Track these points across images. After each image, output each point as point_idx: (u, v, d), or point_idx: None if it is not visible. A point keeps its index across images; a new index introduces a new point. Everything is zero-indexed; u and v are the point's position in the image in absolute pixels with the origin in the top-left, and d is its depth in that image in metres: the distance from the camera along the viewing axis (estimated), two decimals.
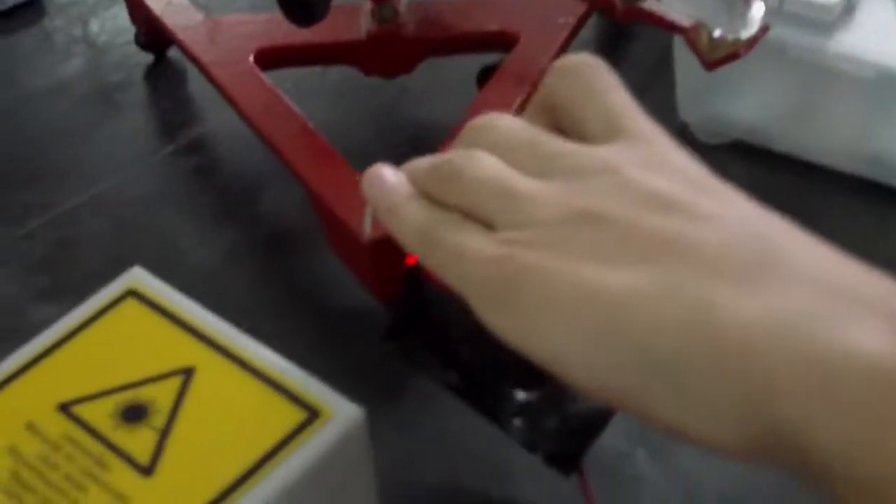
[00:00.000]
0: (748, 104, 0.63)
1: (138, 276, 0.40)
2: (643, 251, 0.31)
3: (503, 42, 0.64)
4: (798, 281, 0.29)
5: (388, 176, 0.37)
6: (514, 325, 0.31)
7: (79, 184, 0.63)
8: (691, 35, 0.54)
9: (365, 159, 0.39)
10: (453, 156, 0.36)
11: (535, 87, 0.39)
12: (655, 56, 0.68)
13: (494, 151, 0.36)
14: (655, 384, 0.29)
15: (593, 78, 0.36)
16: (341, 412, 0.36)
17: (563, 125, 0.36)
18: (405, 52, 0.64)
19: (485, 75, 0.65)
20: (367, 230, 0.52)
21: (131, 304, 0.39)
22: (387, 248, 0.50)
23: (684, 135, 0.63)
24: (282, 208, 0.62)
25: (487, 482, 0.49)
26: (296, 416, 0.36)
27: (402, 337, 0.42)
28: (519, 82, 0.60)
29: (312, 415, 0.36)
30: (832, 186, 0.61)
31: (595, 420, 0.40)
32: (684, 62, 0.61)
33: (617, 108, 0.35)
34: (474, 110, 0.46)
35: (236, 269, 0.59)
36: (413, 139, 0.65)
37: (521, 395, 0.40)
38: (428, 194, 0.36)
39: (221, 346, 0.38)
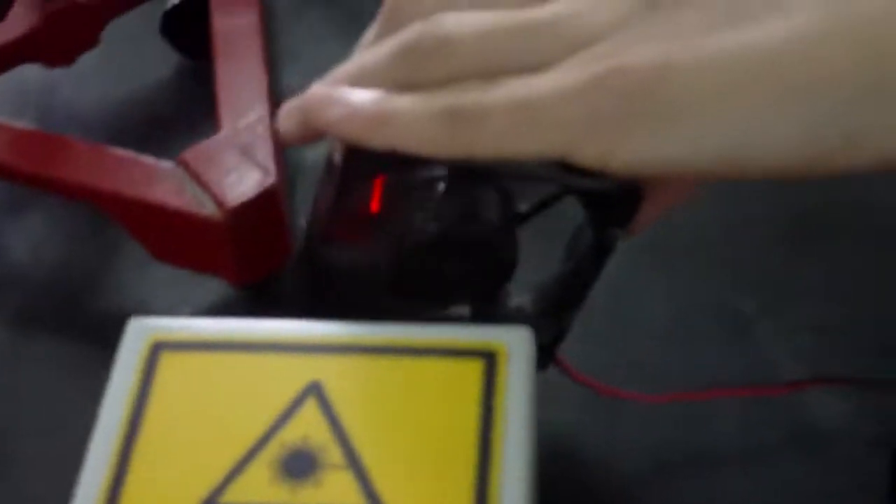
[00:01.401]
0: None
1: (148, 325, 0.31)
2: (750, 7, 0.27)
3: None
4: None
5: (340, 93, 0.30)
6: (665, 140, 0.26)
7: None
8: None
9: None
10: (416, 30, 0.30)
11: None
12: None
13: (456, 7, 0.30)
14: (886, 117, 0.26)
15: None
16: (514, 339, 0.30)
17: None
18: (87, 23, 0.54)
19: (176, 18, 0.56)
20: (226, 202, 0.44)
21: (172, 358, 0.30)
22: (247, 216, 0.43)
23: None
24: (32, 254, 0.51)
25: None
26: (473, 369, 0.29)
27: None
28: None
29: (488, 359, 0.30)
30: None
31: (550, 318, 0.37)
32: None
33: None
34: None
35: (35, 344, 0.48)
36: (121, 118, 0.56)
37: (456, 313, 0.35)
38: (407, 86, 0.30)
39: (322, 345, 0.30)
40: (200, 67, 0.58)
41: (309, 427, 0.28)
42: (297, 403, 0.29)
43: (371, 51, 0.31)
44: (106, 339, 0.46)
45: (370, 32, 0.33)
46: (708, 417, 0.43)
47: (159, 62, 0.58)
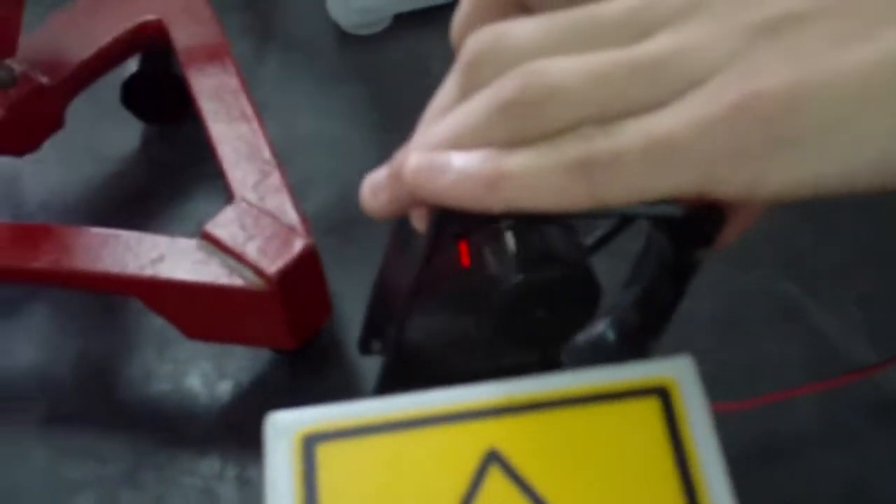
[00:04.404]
0: None
1: (291, 419, 0.29)
2: (871, 16, 0.26)
3: (149, 36, 0.53)
4: None
5: (444, 158, 0.28)
6: (816, 160, 0.25)
7: None
8: None
9: None
10: (517, 82, 0.27)
11: None
12: None
13: (549, 54, 0.28)
14: None
15: None
16: (681, 369, 0.29)
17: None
18: (51, 105, 0.51)
19: (137, 87, 0.54)
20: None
21: (331, 450, 0.28)
22: (290, 281, 0.41)
23: None
24: (48, 353, 0.48)
25: None
26: (650, 408, 0.28)
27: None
28: None
29: (662, 395, 0.28)
30: None
31: (633, 346, 0.36)
32: None
33: None
34: None
35: (73, 440, 0.45)
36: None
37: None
38: (515, 141, 0.28)
39: (488, 409, 0.28)
40: (166, 132, 0.56)
41: (501, 499, 0.27)
42: (479, 476, 0.27)
43: (462, 110, 0.28)
44: (149, 429, 0.43)
45: (447, 89, 0.31)
46: (787, 407, 0.43)
47: (121, 135, 0.56)
